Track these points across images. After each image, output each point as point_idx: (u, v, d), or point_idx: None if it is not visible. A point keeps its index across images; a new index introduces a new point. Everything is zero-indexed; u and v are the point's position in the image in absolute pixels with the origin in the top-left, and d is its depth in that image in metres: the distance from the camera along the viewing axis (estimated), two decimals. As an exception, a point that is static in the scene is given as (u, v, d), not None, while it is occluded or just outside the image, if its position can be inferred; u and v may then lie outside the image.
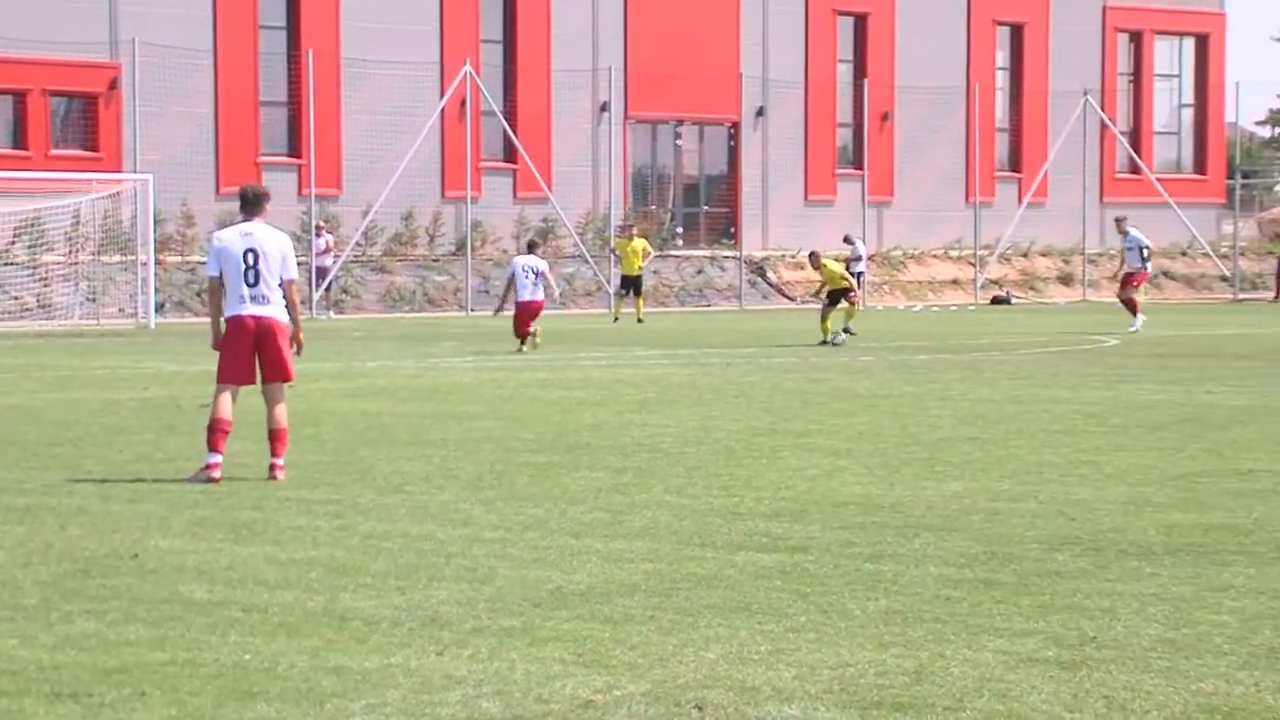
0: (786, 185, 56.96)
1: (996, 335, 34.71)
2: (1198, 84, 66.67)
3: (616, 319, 40.87)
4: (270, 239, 13.39)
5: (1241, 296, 57.79)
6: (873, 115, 56.77)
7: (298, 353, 13.66)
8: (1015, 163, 61.87)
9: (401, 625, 8.17)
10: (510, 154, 51.75)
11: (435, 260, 49.58)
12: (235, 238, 13.39)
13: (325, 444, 15.46)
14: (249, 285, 13.26)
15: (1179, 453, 14.80)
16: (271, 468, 13.21)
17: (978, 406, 19.10)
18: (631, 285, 41.70)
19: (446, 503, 12.09)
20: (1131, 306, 35.28)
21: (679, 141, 56.11)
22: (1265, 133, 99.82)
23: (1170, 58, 66.63)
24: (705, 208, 56.42)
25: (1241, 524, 11.03)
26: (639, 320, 40.49)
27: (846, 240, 51.77)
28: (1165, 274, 60.85)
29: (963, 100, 58.44)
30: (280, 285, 13.37)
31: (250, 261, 13.24)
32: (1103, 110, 60.77)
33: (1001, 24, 61.38)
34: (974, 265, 56.44)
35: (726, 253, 53.58)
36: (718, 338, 33.74)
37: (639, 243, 42.10)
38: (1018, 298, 56.25)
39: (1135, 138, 64.04)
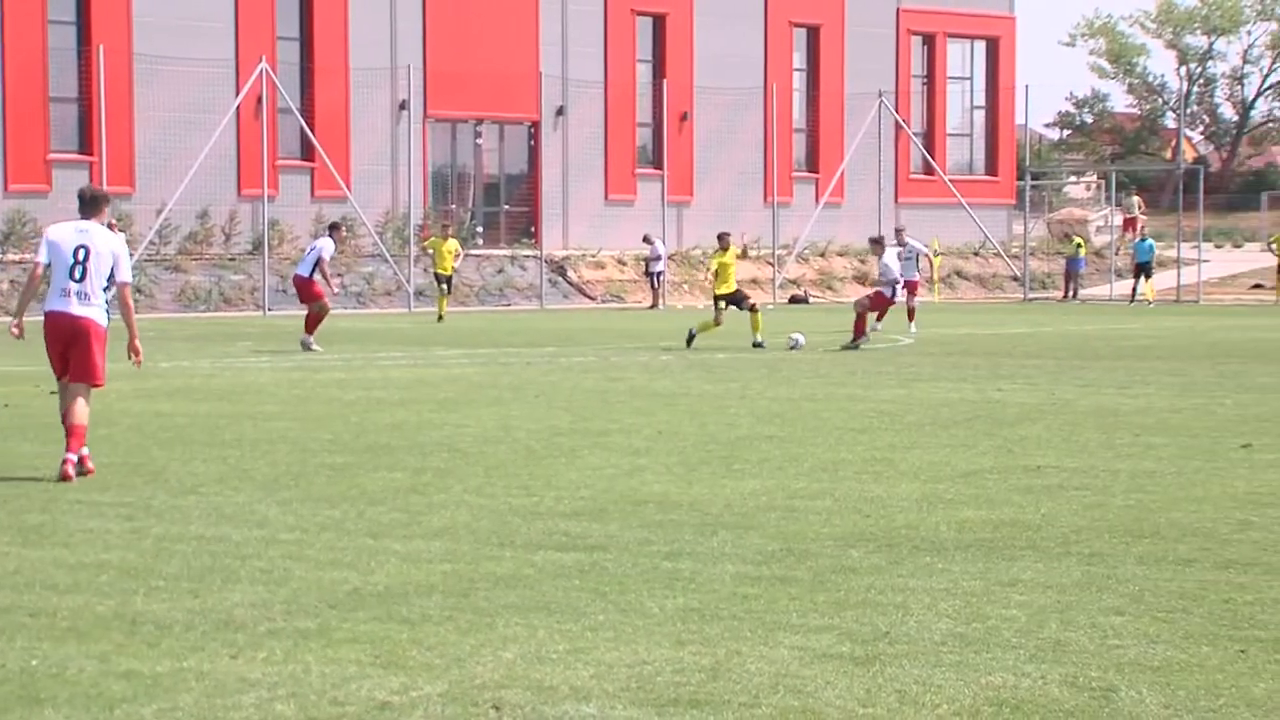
0: (587, 185, 57.08)
1: (794, 334, 34.97)
2: (989, 86, 67.87)
3: (441, 318, 40.66)
4: (104, 240, 13.36)
5: (1031, 296, 58.90)
6: (672, 115, 57.06)
7: (135, 359, 13.66)
8: (812, 163, 62.54)
9: (195, 629, 8.07)
10: (308, 152, 51.29)
11: (231, 259, 49.00)
12: (69, 233, 13.35)
13: (118, 445, 15.21)
14: (74, 280, 13.21)
15: (970, 450, 15.05)
16: (64, 462, 13.01)
17: (775, 405, 19.27)
18: (444, 284, 41.63)
19: (242, 504, 11.95)
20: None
21: (479, 140, 55.98)
22: (1054, 135, 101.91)
23: (962, 60, 67.77)
24: (505, 207, 56.37)
25: (1030, 519, 11.24)
26: (439, 319, 40.38)
27: (646, 240, 51.98)
28: (958, 273, 61.86)
29: (760, 101, 58.95)
30: (109, 287, 13.32)
31: (80, 258, 13.20)
32: (897, 112, 61.64)
33: (798, 25, 62.01)
34: (772, 265, 56.94)
35: (527, 252, 53.55)
36: (518, 337, 33.70)
37: (453, 242, 42.12)
38: (815, 297, 56.85)
39: (929, 139, 65.05)
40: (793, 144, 61.63)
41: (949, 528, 10.92)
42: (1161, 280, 60.55)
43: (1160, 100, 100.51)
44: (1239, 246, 72.94)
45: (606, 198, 57.54)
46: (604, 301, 53.08)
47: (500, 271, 52.71)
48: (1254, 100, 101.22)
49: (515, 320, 42.89)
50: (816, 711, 6.69)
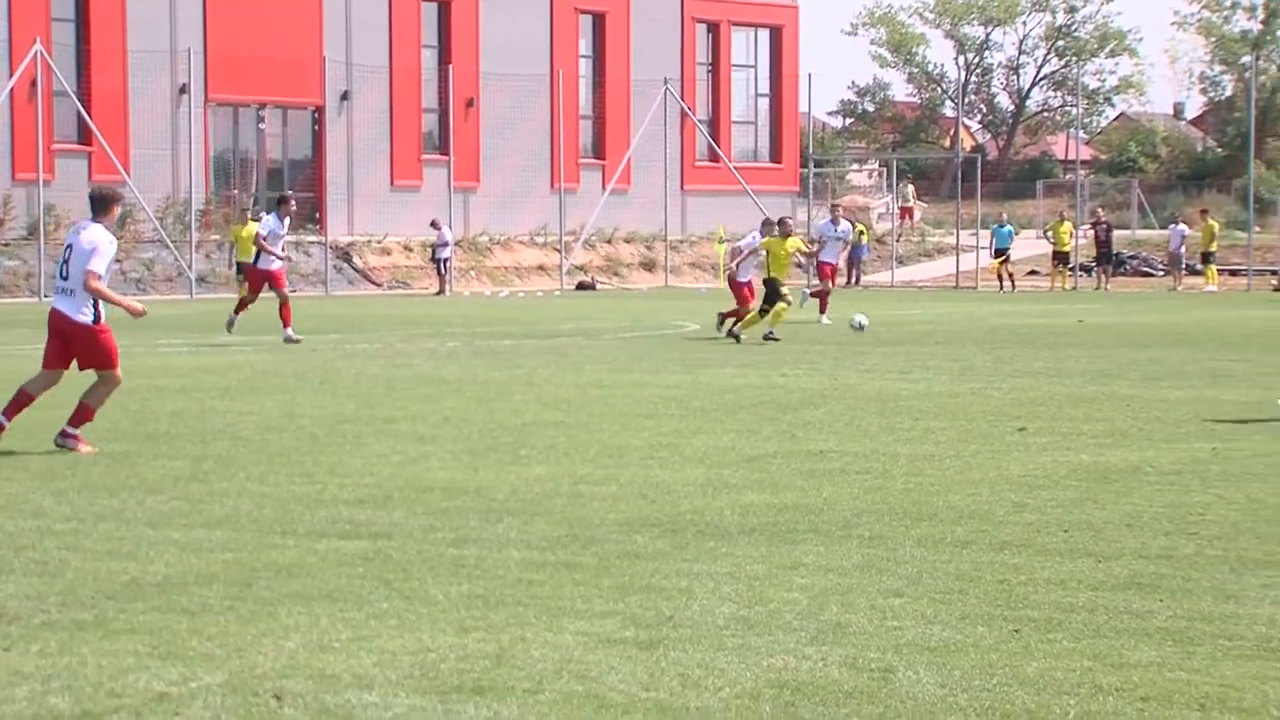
0: (372, 170, 56.66)
1: (581, 321, 35.11)
2: (773, 74, 68.50)
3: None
4: (88, 237, 13.91)
5: (815, 282, 59.53)
6: (458, 101, 56.82)
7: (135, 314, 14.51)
8: (599, 150, 62.67)
9: (-34, 623, 7.88)
10: (85, 136, 50.28)
11: (5, 245, 47.91)
12: (71, 233, 14.28)
13: (-114, 436, 14.80)
14: (61, 279, 14.07)
15: (755, 435, 15.19)
16: (61, 433, 13.91)
17: (562, 391, 19.29)
18: (245, 272, 40.96)
19: (16, 494, 11.70)
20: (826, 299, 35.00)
21: (261, 125, 55.29)
22: (837, 123, 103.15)
23: (746, 48, 68.32)
24: (289, 192, 55.66)
25: (812, 503, 11.38)
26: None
27: (433, 225, 51.74)
28: (743, 260, 62.34)
29: (547, 87, 58.92)
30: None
31: (65, 256, 13.99)
32: (683, 99, 61.97)
33: (584, 12, 62.07)
34: (559, 251, 56.98)
35: (311, 238, 53.01)
36: (302, 324, 33.36)
37: (252, 227, 41.43)
38: (602, 283, 57.00)
39: (714, 126, 65.48)
40: (579, 131, 61.71)
41: (733, 512, 11.02)
42: (941, 267, 61.63)
43: (939, 89, 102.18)
44: (1015, 234, 74.33)
45: (392, 184, 57.16)
46: (390, 288, 52.74)
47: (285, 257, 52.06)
48: (1029, 90, 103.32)
49: (300, 307, 42.40)
50: (600, 696, 6.71)
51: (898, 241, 64.75)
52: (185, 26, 52.21)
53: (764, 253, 28.94)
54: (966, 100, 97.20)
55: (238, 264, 41.42)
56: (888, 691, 6.80)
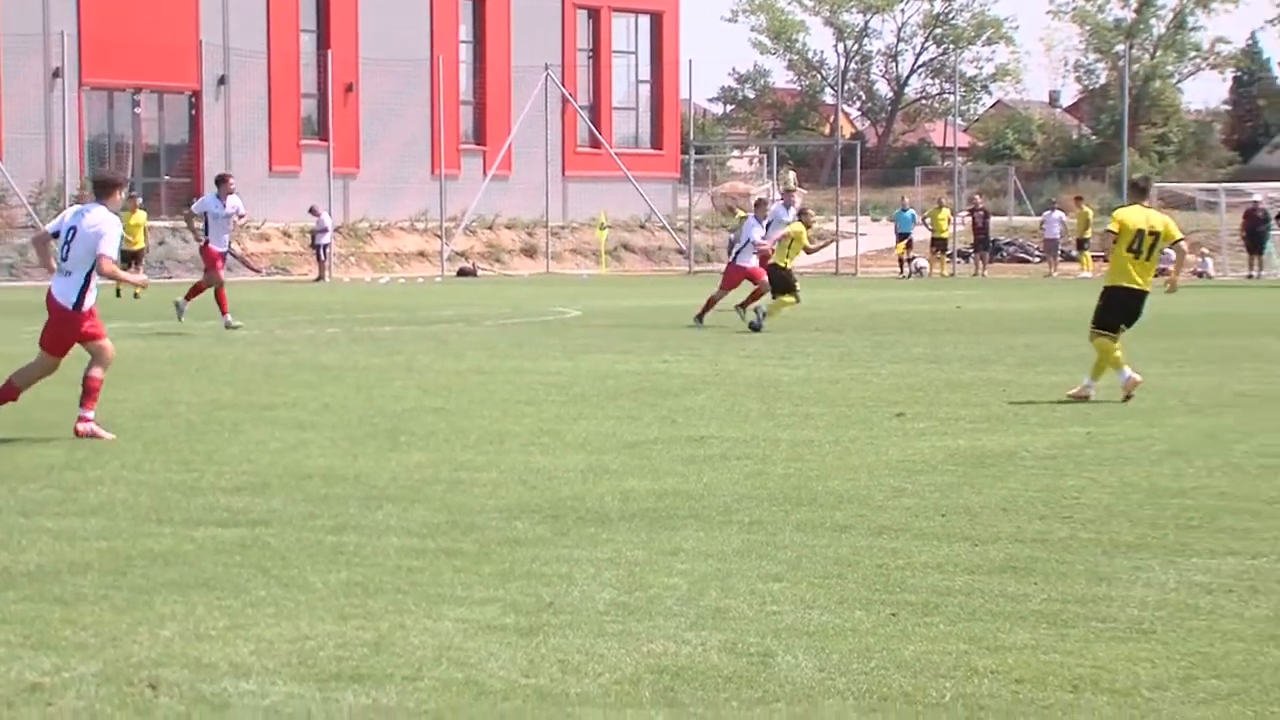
0: (250, 156, 56.15)
1: (462, 307, 35.01)
2: (653, 61, 68.58)
3: (137, 295, 39.36)
4: (93, 220, 13.99)
5: (696, 269, 59.69)
6: (337, 87, 56.46)
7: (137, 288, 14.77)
8: (480, 135, 62.49)
9: None
10: (-43, 119, 49.55)
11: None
12: (69, 215, 14.35)
13: None
14: (61, 260, 14.15)
15: (636, 421, 15.20)
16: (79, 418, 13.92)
17: (443, 378, 19.23)
18: (134, 259, 40.45)
19: (-114, 484, 11.51)
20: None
21: (137, 110, 54.67)
22: (718, 109, 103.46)
23: (627, 34, 68.35)
24: (166, 178, 55.17)
25: (693, 489, 11.41)
26: (135, 295, 38.96)
27: (312, 211, 51.41)
28: (625, 246, 62.47)
29: (427, 72, 58.65)
30: (94, 264, 13.93)
31: (68, 238, 14.07)
32: (563, 85, 61.91)
33: (465, -2, 61.90)
34: (440, 237, 56.78)
35: (189, 224, 52.46)
36: (167, 310, 33.04)
37: (141, 214, 41.00)
38: (483, 270, 56.86)
39: (595, 113, 65.46)
40: (460, 116, 61.51)
41: (614, 498, 11.02)
42: (821, 253, 61.88)
43: (819, 76, 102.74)
44: (894, 221, 74.91)
45: (271, 169, 56.70)
46: (269, 274, 52.33)
47: (162, 243, 51.57)
48: (908, 77, 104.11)
49: (177, 291, 42.06)
50: (479, 683, 6.70)
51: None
52: (59, 9, 51.52)
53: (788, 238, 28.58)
54: (846, 87, 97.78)
55: (123, 252, 40.75)
56: (766, 676, 6.83)
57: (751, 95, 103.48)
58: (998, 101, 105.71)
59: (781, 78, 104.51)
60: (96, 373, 14.15)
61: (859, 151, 62.82)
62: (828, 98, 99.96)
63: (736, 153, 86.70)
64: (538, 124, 59.44)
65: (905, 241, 55.64)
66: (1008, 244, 63.33)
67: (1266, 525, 10.06)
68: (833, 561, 9.04)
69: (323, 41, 57.69)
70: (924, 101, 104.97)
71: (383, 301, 38.12)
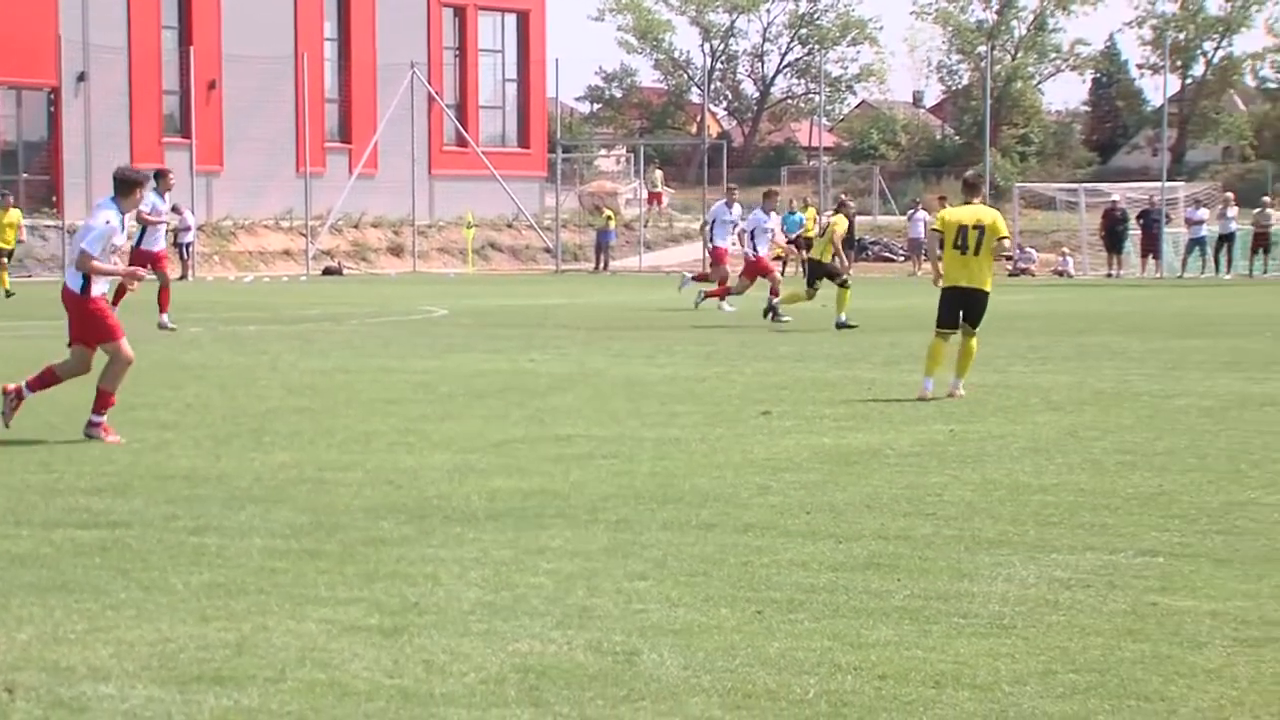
0: (111, 153, 55.29)
1: (328, 306, 34.79)
2: (520, 59, 68.48)
3: (10, 293, 38.69)
4: (93, 217, 14.00)
5: (564, 267, 59.71)
6: (199, 83, 55.91)
7: (134, 284, 15.32)
8: (345, 134, 62.12)
9: None
10: None
11: None
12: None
13: None
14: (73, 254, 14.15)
15: (503, 420, 15.17)
16: (88, 422, 13.79)
17: (308, 377, 19.09)
18: (5, 257, 39.78)
19: None
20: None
21: (-5, 106, 53.84)
22: (585, 108, 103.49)
23: (494, 33, 68.20)
24: (25, 175, 54.33)
25: (559, 488, 11.40)
26: (7, 294, 38.34)
27: (175, 210, 50.81)
28: (492, 245, 62.34)
29: (291, 70, 58.22)
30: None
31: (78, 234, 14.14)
32: (430, 83, 61.67)
33: (329, -6, 61.50)
34: (305, 236, 56.38)
35: (49, 222, 51.78)
36: (40, 309, 32.60)
37: (15, 213, 40.28)
38: (349, 268, 56.52)
39: (462, 111, 65.27)
40: (325, 114, 61.11)
41: (480, 497, 10.99)
42: (688, 252, 62.08)
43: (686, 76, 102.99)
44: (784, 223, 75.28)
45: (132, 166, 55.95)
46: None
47: (19, 242, 50.78)
48: (774, 77, 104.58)
49: (37, 291, 41.50)
50: (343, 684, 6.66)
51: (645, 227, 65.14)
52: (-86, 3, 50.66)
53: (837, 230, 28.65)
54: (712, 87, 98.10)
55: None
56: (632, 674, 6.84)
57: (618, 94, 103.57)
58: (863, 102, 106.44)
59: (648, 77, 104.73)
60: (110, 385, 13.96)
61: (725, 151, 63.08)
62: (694, 97, 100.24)
63: (604, 152, 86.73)
64: (404, 122, 59.18)
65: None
66: (873, 243, 63.82)
67: (1124, 521, 10.20)
68: (698, 559, 9.07)
69: (185, 38, 57.08)
70: (790, 101, 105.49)
71: (247, 300, 37.79)
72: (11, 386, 14.11)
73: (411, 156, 59.32)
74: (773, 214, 29.40)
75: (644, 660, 7.02)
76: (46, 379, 14.25)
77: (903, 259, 60.24)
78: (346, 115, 62.25)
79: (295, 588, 8.33)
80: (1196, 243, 53.02)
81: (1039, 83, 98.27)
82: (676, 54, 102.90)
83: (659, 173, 73.57)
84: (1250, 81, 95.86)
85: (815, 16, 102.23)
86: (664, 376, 19.31)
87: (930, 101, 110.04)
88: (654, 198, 70.91)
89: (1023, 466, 12.40)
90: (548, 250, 62.37)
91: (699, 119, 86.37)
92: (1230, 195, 55.38)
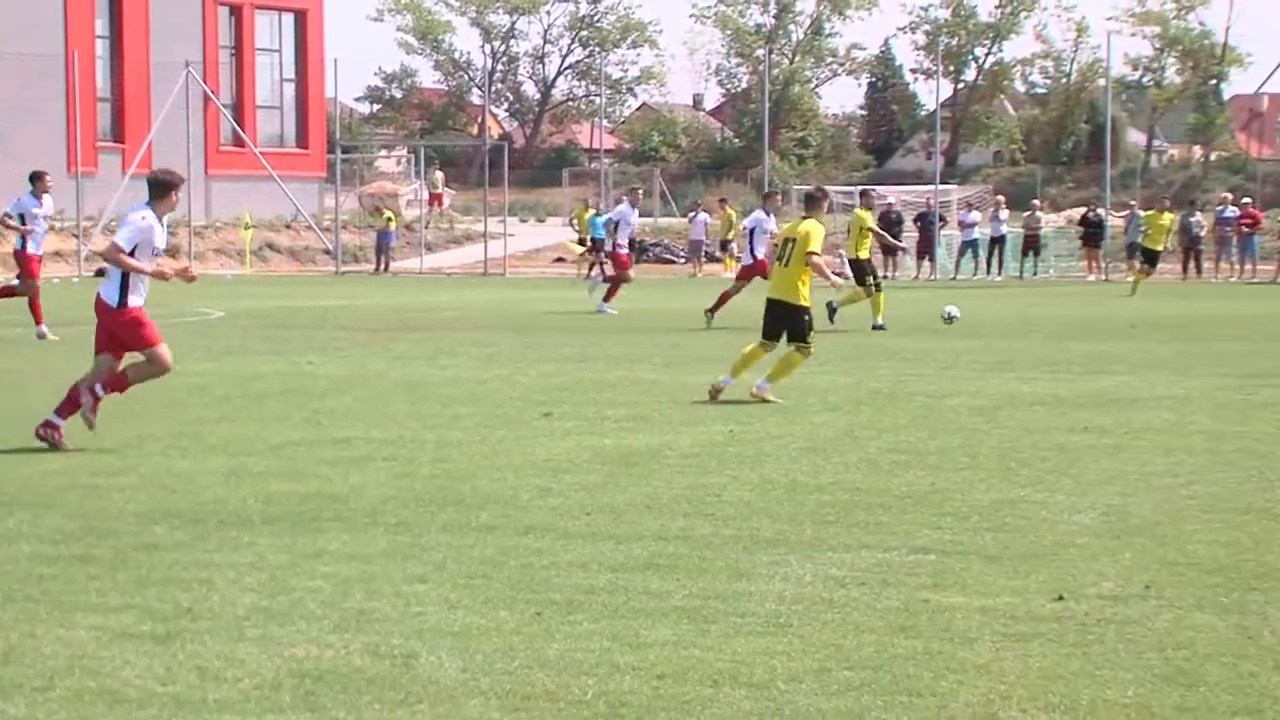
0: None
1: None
2: (298, 59, 67.80)
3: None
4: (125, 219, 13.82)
5: (344, 269, 59.19)
6: (-33, 80, 54.59)
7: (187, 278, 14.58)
8: (118, 133, 61.02)
9: None
10: None
11: None
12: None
13: None
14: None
15: (281, 422, 15.02)
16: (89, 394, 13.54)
17: (78, 380, 18.69)
18: None
19: None
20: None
21: None
22: (365, 109, 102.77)
23: (271, 32, 67.45)
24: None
25: (338, 491, 11.31)
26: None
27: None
28: (270, 246, 61.62)
29: (61, 68, 57.03)
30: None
31: None
32: (205, 82, 60.81)
33: (101, -9, 60.38)
34: (77, 237, 55.28)
35: None
36: None
37: None
38: (123, 270, 55.48)
39: (239, 111, 64.47)
40: (97, 113, 59.98)
41: (257, 501, 10.87)
42: (469, 254, 61.93)
43: (466, 77, 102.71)
44: (542, 221, 75.40)
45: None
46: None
47: None
48: (555, 79, 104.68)
49: None
50: (114, 692, 6.54)
51: (426, 228, 64.84)
52: None
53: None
54: (493, 88, 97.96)
55: None
56: (410, 677, 6.80)
57: (399, 95, 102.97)
58: (643, 104, 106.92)
59: (429, 77, 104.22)
60: (134, 375, 13.82)
61: (506, 152, 62.99)
62: (475, 98, 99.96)
63: (384, 152, 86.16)
64: (179, 122, 58.23)
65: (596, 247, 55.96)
66: (654, 245, 64.13)
67: (898, 519, 10.36)
68: (478, 562, 9.05)
69: (-49, 34, 55.70)
70: (571, 103, 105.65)
71: (15, 303, 36.90)
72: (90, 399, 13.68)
73: (187, 156, 58.36)
74: (773, 215, 29.44)
75: (422, 663, 6.99)
76: (115, 382, 13.85)
77: (683, 260, 60.59)
78: (119, 115, 61.15)
79: (65, 594, 8.16)
80: (969, 245, 54.05)
81: (816, 86, 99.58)
82: (457, 55, 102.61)
83: (440, 174, 73.21)
84: (1020, 86, 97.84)
85: (596, 19, 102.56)
86: (445, 378, 19.23)
87: (710, 104, 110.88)
88: (435, 199, 70.61)
89: (800, 466, 12.54)
90: (327, 252, 61.79)
91: (480, 120, 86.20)
92: (1001, 198, 56.53)
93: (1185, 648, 7.28)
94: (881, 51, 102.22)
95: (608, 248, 32.67)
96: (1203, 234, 51.45)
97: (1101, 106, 66.29)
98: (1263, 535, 9.76)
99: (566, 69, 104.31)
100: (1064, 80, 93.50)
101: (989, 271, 53.63)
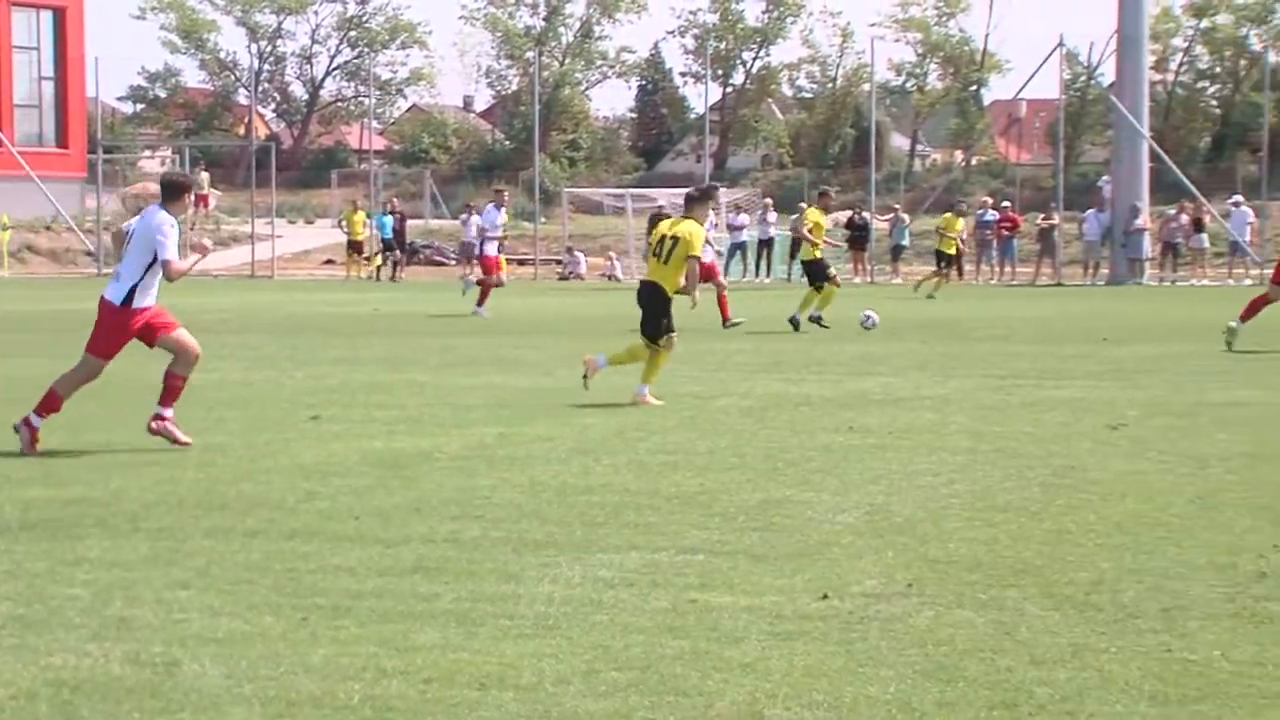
0: None
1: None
2: (57, 58, 66.39)
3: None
4: (146, 223, 13.66)
5: (106, 270, 58.02)
6: None
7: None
8: None
9: None
10: None
11: None
12: (136, 218, 13.99)
13: None
14: (119, 262, 13.91)
15: (41, 429, 14.65)
16: (155, 417, 13.63)
17: None
18: None
19: None
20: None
21: None
22: (128, 108, 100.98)
23: (29, 30, 65.98)
24: None
25: (99, 496, 11.09)
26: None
27: None
28: (29, 248, 60.32)
29: None
30: (148, 267, 13.58)
31: (128, 241, 13.80)
32: (-37, 80, 59.33)
33: None
34: None
35: None
36: None
37: None
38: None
39: (-4, 109, 63.00)
40: None
41: (14, 507, 10.63)
42: (236, 256, 61.15)
43: (233, 77, 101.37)
44: (311, 223, 74.70)
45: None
46: None
47: None
48: (323, 80, 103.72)
49: None
50: None
51: (193, 229, 63.85)
52: None
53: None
54: (260, 89, 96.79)
55: None
56: (171, 685, 6.69)
57: (163, 95, 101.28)
58: (413, 105, 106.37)
59: (194, 77, 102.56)
60: (179, 370, 13.77)
61: (274, 153, 62.33)
62: (242, 98, 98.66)
63: (148, 153, 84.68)
64: (-67, 119, 56.81)
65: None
66: (425, 246, 63.86)
67: (667, 520, 10.41)
68: (243, 567, 8.92)
69: None
70: (340, 104, 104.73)
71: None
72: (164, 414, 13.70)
73: (-59, 155, 56.97)
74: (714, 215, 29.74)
75: (184, 671, 6.88)
76: (50, 402, 13.77)
77: (455, 263, 60.39)
78: None
79: None
80: (738, 247, 54.56)
81: (587, 89, 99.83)
82: (223, 54, 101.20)
83: (206, 175, 72.11)
84: (787, 91, 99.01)
85: (364, 19, 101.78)
86: (210, 381, 18.92)
87: (481, 106, 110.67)
88: (201, 200, 69.56)
89: (570, 468, 12.55)
90: (89, 253, 60.60)
91: (247, 121, 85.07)
92: (769, 201, 57.18)
93: (945, 644, 7.41)
94: (651, 55, 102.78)
95: (476, 252, 32.81)
96: (965, 237, 52.46)
97: (866, 111, 67.36)
98: (1020, 533, 9.98)
99: (335, 69, 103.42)
100: (830, 85, 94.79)
101: (757, 274, 54.19)
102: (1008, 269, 53.16)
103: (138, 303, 13.70)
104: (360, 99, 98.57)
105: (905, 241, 55.24)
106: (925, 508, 10.83)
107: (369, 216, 56.61)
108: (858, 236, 54.19)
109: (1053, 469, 12.44)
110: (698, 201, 17.69)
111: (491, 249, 33.25)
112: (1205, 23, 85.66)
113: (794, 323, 28.27)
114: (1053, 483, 11.79)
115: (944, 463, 12.78)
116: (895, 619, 7.86)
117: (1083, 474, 12.19)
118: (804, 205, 54.96)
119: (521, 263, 58.73)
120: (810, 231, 28.71)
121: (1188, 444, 13.74)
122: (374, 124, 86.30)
